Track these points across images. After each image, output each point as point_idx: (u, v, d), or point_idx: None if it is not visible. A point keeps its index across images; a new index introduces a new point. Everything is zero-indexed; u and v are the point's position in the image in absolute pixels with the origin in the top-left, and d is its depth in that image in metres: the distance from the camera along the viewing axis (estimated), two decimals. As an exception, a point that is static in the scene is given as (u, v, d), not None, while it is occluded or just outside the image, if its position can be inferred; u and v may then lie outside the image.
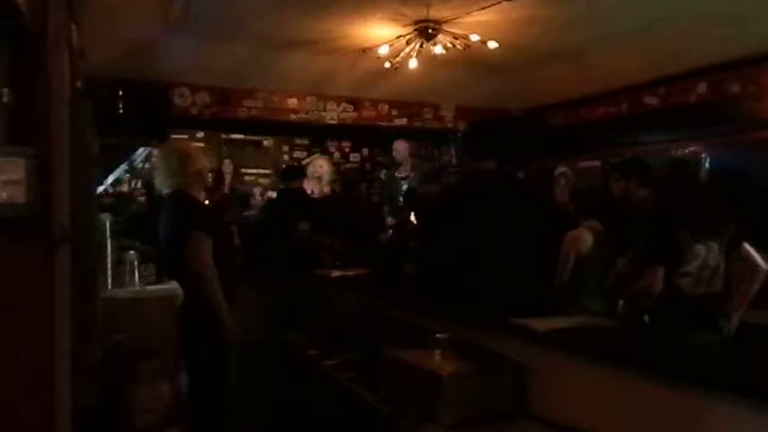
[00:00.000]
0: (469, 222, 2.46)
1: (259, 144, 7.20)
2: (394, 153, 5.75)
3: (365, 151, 7.86)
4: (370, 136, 7.34)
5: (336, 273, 3.61)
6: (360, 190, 5.77)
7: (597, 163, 5.72)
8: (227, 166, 5.79)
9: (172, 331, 2.58)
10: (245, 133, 6.95)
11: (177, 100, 5.24)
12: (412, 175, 5.72)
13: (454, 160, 6.57)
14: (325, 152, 7.39)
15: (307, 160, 6.03)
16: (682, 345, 1.89)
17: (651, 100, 5.20)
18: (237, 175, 5.88)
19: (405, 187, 5.59)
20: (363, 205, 4.94)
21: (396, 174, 5.82)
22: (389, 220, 5.04)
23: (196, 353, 2.52)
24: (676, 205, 2.53)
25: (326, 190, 5.26)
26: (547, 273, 2.66)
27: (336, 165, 7.40)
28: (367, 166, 7.78)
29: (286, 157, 7.37)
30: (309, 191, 4.86)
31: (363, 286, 3.38)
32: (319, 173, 5.42)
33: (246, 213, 5.09)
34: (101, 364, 2.27)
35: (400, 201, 5.63)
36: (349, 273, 3.59)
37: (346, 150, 7.62)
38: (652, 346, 1.91)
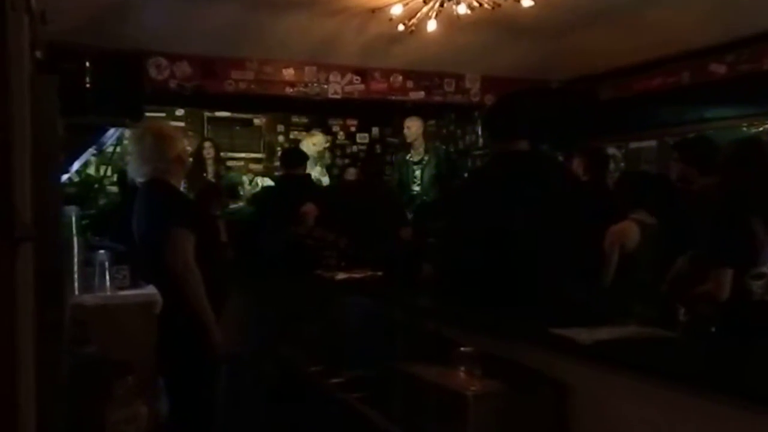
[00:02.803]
0: (497, 214, 2.47)
1: (249, 123, 7.25)
2: (406, 132, 5.77)
3: (374, 130, 7.88)
4: (380, 113, 7.35)
5: (341, 275, 3.63)
6: (383, 177, 5.82)
7: (653, 143, 5.69)
8: (208, 150, 5.84)
9: (150, 344, 2.61)
10: (233, 111, 7.00)
11: (153, 72, 5.27)
12: (427, 158, 5.75)
13: (480, 141, 6.56)
14: (327, 132, 7.44)
15: (305, 136, 6.05)
16: (759, 361, 1.87)
17: (718, 68, 5.14)
18: (219, 160, 5.92)
19: (418, 173, 5.65)
20: (386, 195, 4.95)
21: (408, 157, 5.85)
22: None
23: (178, 369, 2.56)
24: (747, 193, 2.51)
25: (318, 175, 5.30)
26: (592, 273, 2.66)
27: (340, 148, 7.49)
28: (377, 148, 7.81)
29: (281, 138, 7.41)
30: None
31: (373, 290, 3.41)
32: (317, 150, 5.45)
33: (234, 206, 5.13)
34: (69, 381, 2.31)
35: (413, 190, 5.68)
36: (357, 275, 3.61)
37: (352, 129, 7.66)
38: (721, 362, 1.90)
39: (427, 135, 6.06)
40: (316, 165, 5.70)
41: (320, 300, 3.59)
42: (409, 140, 5.80)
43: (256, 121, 7.17)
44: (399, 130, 7.96)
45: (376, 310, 3.11)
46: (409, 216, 4.92)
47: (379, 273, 3.63)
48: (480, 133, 6.55)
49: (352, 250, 3.99)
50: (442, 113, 6.80)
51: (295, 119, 7.45)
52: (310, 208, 4.15)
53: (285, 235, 4.05)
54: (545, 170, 2.63)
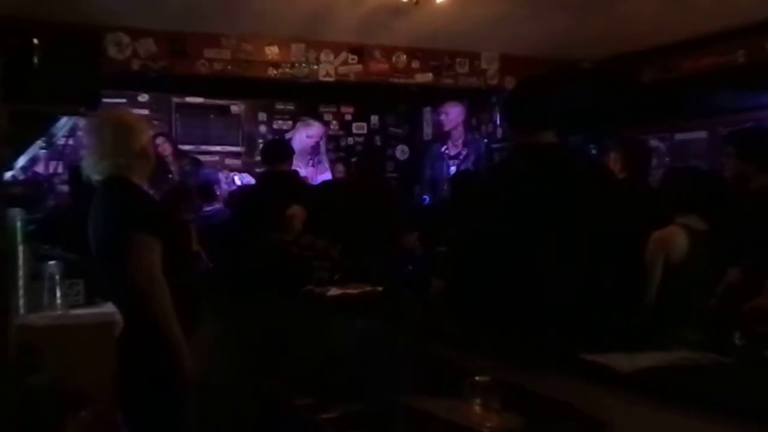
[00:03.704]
0: (518, 218, 2.47)
1: (225, 111, 7.26)
2: (443, 119, 5.78)
3: (374, 119, 7.90)
4: (380, 99, 7.37)
5: (334, 291, 3.64)
6: (382, 173, 5.85)
7: (702, 134, 5.70)
8: (163, 147, 5.87)
9: (108, 372, 2.61)
10: (206, 96, 7.02)
11: (112, 51, 5.28)
12: (464, 152, 5.76)
13: (498, 133, 6.57)
14: (318, 120, 7.44)
15: (297, 126, 6.07)
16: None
17: (779, 46, 5.15)
18: (179, 154, 5.93)
19: (453, 169, 5.67)
20: (387, 197, 4.97)
21: (443, 150, 5.85)
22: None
23: (140, 402, 2.56)
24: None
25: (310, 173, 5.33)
26: (631, 288, 2.66)
27: (333, 139, 7.50)
28: (377, 140, 7.83)
29: (263, 128, 7.43)
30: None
31: (372, 308, 3.41)
32: (311, 143, 5.44)
33: (209, 207, 5.14)
34: (14, 416, 2.31)
35: (446, 190, 5.69)
36: (353, 291, 3.62)
37: (348, 118, 7.68)
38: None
39: (468, 125, 6.11)
40: (310, 161, 5.73)
41: (309, 320, 3.58)
42: (446, 129, 5.82)
43: (234, 109, 7.19)
44: (403, 119, 8.03)
45: (376, 332, 3.10)
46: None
47: (380, 288, 3.63)
48: (498, 122, 6.57)
49: (347, 261, 3.99)
50: (453, 99, 6.80)
51: (279, 106, 7.46)
52: (296, 211, 4.16)
53: (268, 243, 4.04)
54: (575, 166, 2.62)
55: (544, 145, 2.59)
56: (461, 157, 5.77)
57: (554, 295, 2.38)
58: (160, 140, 5.95)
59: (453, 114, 5.75)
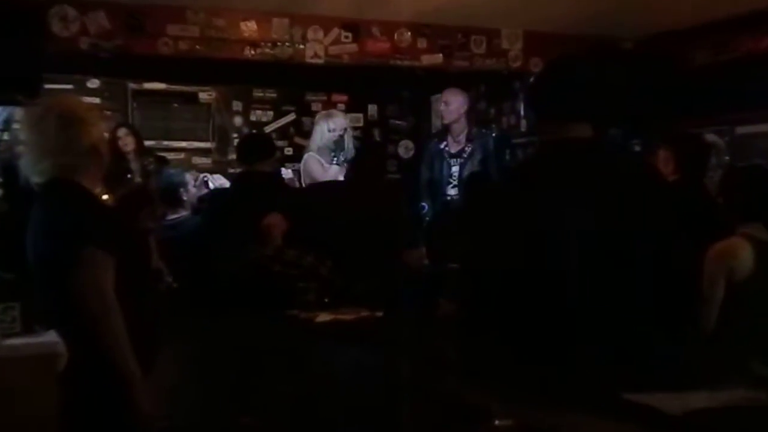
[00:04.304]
0: (547, 229, 2.46)
1: (192, 99, 7.29)
2: (442, 109, 5.81)
3: (372, 109, 7.94)
4: (380, 85, 7.39)
5: (324, 316, 3.64)
6: (381, 173, 5.82)
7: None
8: (124, 141, 5.87)
9: (51, 413, 2.60)
10: (170, 81, 7.04)
11: (56, 27, 5.30)
12: (468, 149, 5.77)
13: (522, 125, 6.58)
14: (305, 111, 7.46)
15: (319, 117, 6.01)
16: None
17: None
18: (143, 152, 5.94)
19: (456, 169, 5.68)
20: (387, 203, 4.96)
21: (443, 147, 5.87)
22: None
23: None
24: None
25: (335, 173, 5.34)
26: (685, 312, 2.65)
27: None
28: (375, 134, 7.85)
29: (238, 120, 7.47)
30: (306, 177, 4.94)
31: (370, 336, 3.41)
32: (334, 138, 5.42)
33: (174, 216, 5.14)
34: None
35: (448, 194, 5.69)
36: (346, 316, 3.62)
37: (340, 108, 7.69)
38: None
39: (472, 116, 6.11)
40: (334, 158, 5.71)
41: (293, 350, 3.58)
42: (446, 122, 5.84)
43: (203, 97, 7.21)
44: (407, 109, 8.05)
45: (374, 364, 3.09)
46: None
47: (379, 313, 3.64)
48: (522, 113, 6.58)
49: (339, 281, 3.99)
50: (468, 84, 6.82)
51: (258, 94, 7.50)
52: (273, 220, 4.16)
53: (244, 259, 4.04)
54: (616, 166, 2.62)
55: (578, 141, 2.58)
56: (465, 156, 5.79)
57: (590, 322, 2.37)
58: (122, 132, 5.97)
59: (454, 103, 5.77)
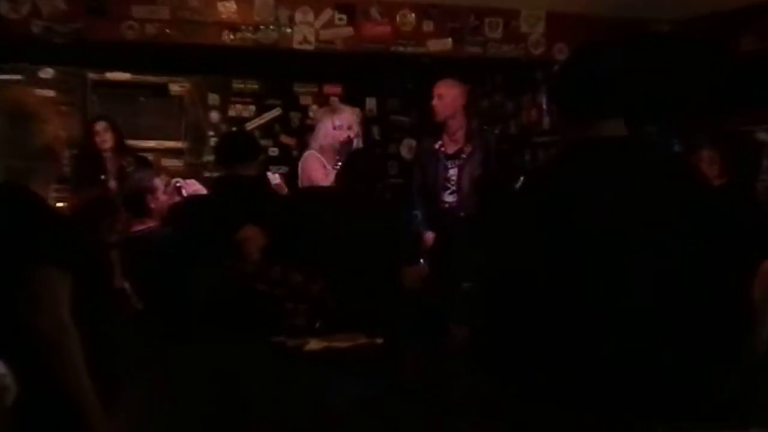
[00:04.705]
0: (575, 242, 2.46)
1: (162, 91, 7.29)
2: (435, 104, 5.81)
3: (370, 102, 7.93)
4: (379, 75, 7.38)
5: (315, 343, 3.65)
6: (380, 177, 5.83)
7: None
8: (102, 137, 5.87)
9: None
10: (135, 71, 7.04)
11: (4, 9, 5.32)
12: (468, 149, 5.76)
13: (545, 122, 6.58)
14: (292, 105, 7.45)
15: (323, 112, 6.01)
16: None
17: None
18: (123, 150, 5.94)
19: (453, 172, 5.65)
20: (385, 210, 4.97)
21: (438, 147, 5.86)
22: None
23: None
24: None
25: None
26: (734, 337, 2.65)
27: (312, 130, 7.49)
28: (374, 131, 7.84)
29: (215, 116, 7.47)
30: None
31: (368, 368, 3.41)
32: (341, 137, 5.42)
33: (140, 227, 5.13)
34: None
35: (446, 201, 5.68)
36: (341, 343, 3.64)
37: (334, 101, 7.68)
38: None
39: (471, 111, 6.09)
40: (339, 162, 5.71)
41: (280, 383, 3.58)
42: (440, 118, 5.83)
43: (174, 88, 7.22)
44: (411, 103, 8.03)
45: (373, 400, 3.08)
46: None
47: (378, 340, 3.65)
48: (545, 107, 6.58)
49: (332, 302, 3.99)
50: (482, 74, 6.83)
51: (238, 85, 7.50)
52: (250, 234, 4.16)
53: (223, 278, 4.04)
54: (654, 169, 2.61)
55: (609, 140, 2.59)
56: (464, 156, 5.77)
57: (628, 351, 2.37)
58: (100, 127, 5.98)
59: (449, 97, 5.76)
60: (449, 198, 5.78)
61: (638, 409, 2.27)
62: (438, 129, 5.89)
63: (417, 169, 6.08)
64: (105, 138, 5.95)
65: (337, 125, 5.52)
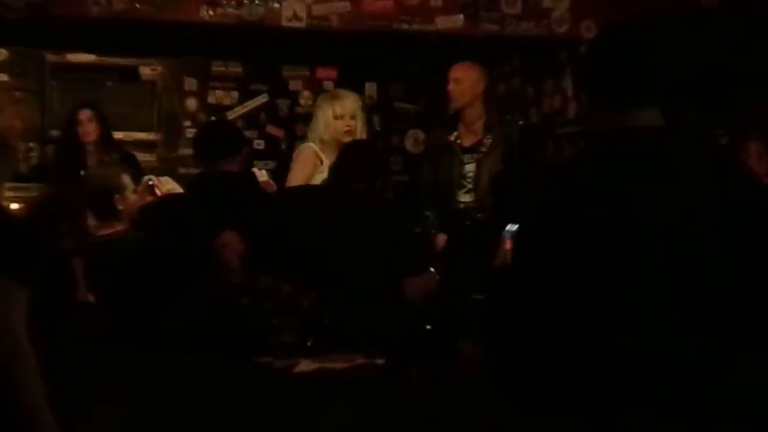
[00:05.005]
0: (604, 251, 2.46)
1: (131, 76, 7.31)
2: (451, 89, 5.81)
3: (370, 88, 7.94)
4: (380, 57, 7.38)
5: (306, 364, 3.66)
6: (382, 173, 5.84)
7: None
8: (86, 127, 5.88)
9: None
10: (101, 53, 7.04)
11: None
12: (487, 141, 5.76)
13: (570, 109, 6.58)
14: (280, 91, 7.45)
15: (322, 98, 6.01)
16: None
17: None
18: (107, 143, 5.95)
19: (470, 167, 5.63)
20: (386, 212, 4.97)
21: (453, 140, 5.86)
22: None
23: None
24: None
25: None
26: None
27: (302, 119, 7.52)
28: (375, 121, 7.83)
29: (192, 103, 7.48)
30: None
31: (367, 392, 3.43)
32: (344, 128, 5.42)
33: (106, 232, 5.14)
34: None
35: (460, 201, 5.67)
36: (337, 364, 3.66)
37: (327, 87, 7.74)
38: None
39: (491, 98, 6.08)
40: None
41: (266, 409, 3.58)
42: (456, 106, 5.83)
43: (146, 72, 7.23)
44: (417, 89, 8.02)
45: (373, 429, 3.08)
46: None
47: (378, 360, 3.66)
48: (571, 93, 6.58)
49: (326, 317, 4.00)
50: (498, 56, 6.83)
51: (218, 68, 7.51)
52: (227, 239, 4.16)
53: (201, 289, 4.05)
54: (696, 165, 2.61)
55: (644, 132, 2.59)
56: (483, 150, 5.78)
57: (664, 372, 2.37)
58: (84, 116, 6.00)
59: (467, 81, 5.77)
60: (465, 197, 5.80)
61: (663, 407, 2.30)
62: (453, 118, 5.90)
63: (427, 164, 6.10)
64: (88, 129, 5.97)
65: (339, 114, 5.53)
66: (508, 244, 3.68)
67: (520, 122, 6.45)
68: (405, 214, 5.26)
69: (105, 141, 6.10)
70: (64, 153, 5.99)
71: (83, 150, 5.95)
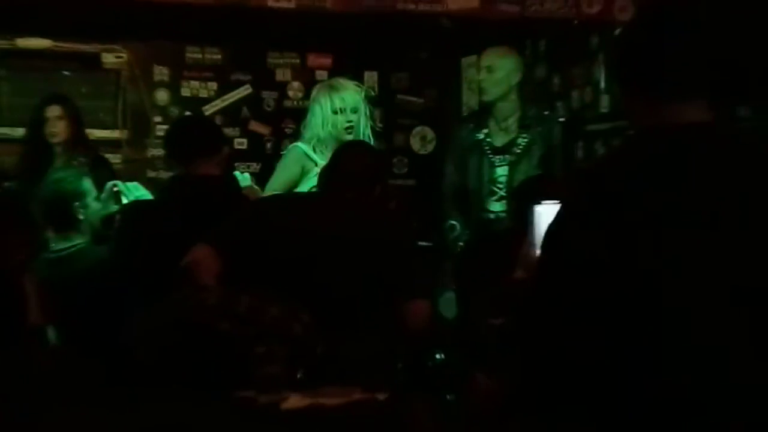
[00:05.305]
0: (645, 264, 2.46)
1: (92, 63, 7.30)
2: (483, 79, 5.81)
3: (370, 78, 7.95)
4: (382, 42, 7.37)
5: (296, 400, 3.62)
6: (374, 179, 5.86)
7: None
8: (53, 124, 5.91)
9: None
10: (56, 37, 7.03)
11: None
12: (523, 141, 5.74)
13: (602, 102, 6.58)
14: (266, 81, 7.45)
15: (318, 89, 6.02)
16: None
17: None
18: (79, 142, 5.97)
19: (502, 171, 5.60)
20: (388, 224, 4.95)
21: (482, 137, 5.84)
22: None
23: None
24: None
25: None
26: None
27: (290, 114, 7.52)
28: (375, 116, 7.80)
29: (162, 96, 7.49)
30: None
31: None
32: (344, 124, 5.42)
33: (64, 245, 5.13)
34: None
35: (491, 210, 5.63)
36: (331, 400, 3.61)
37: (321, 76, 7.76)
38: None
39: (529, 90, 6.08)
40: None
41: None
42: (489, 99, 5.84)
43: (109, 59, 7.23)
44: (426, 79, 8.01)
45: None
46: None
47: (380, 395, 3.62)
48: (603, 85, 6.58)
49: (318, 345, 3.97)
50: (519, 41, 6.82)
51: (194, 54, 7.52)
52: (199, 255, 4.14)
53: (175, 311, 4.02)
54: (750, 165, 2.59)
55: (691, 128, 2.58)
56: (518, 151, 5.77)
57: (723, 407, 2.37)
58: (51, 112, 6.01)
59: (502, 69, 5.78)
60: (496, 206, 5.78)
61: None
62: (482, 113, 5.89)
63: (451, 167, 6.09)
64: (56, 129, 5.99)
65: (339, 107, 5.53)
66: (531, 256, 3.64)
67: (561, 119, 6.39)
68: (407, 227, 5.23)
69: (76, 140, 6.09)
70: (29, 156, 5.98)
71: (51, 152, 5.93)
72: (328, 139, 5.49)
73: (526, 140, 5.78)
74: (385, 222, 4.87)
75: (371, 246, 4.49)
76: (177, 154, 4.83)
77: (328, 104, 5.53)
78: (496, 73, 5.81)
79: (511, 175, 5.77)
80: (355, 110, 5.52)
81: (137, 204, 5.55)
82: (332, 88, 5.74)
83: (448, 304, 4.62)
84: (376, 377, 3.75)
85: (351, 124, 5.49)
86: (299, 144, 5.61)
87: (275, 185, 5.62)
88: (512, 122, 5.85)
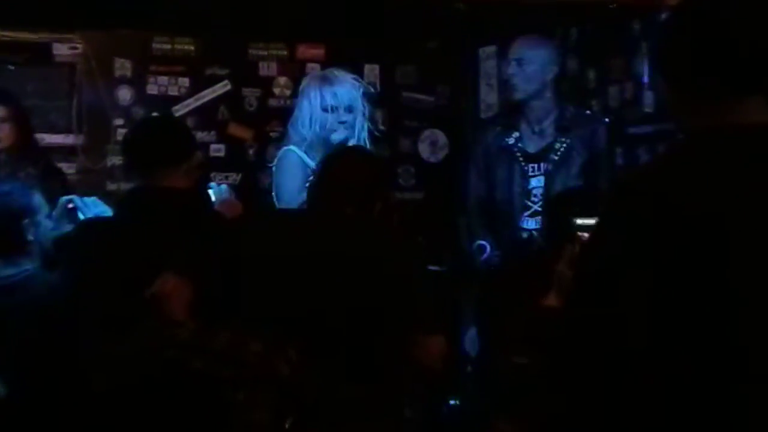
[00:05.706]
0: (710, 288, 2.45)
1: (42, 55, 7.31)
2: (512, 74, 5.82)
3: (370, 72, 7.94)
4: (385, 30, 7.39)
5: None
6: (375, 194, 5.89)
7: None
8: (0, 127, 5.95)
9: None
10: (3, 26, 7.06)
11: None
12: (562, 146, 5.74)
13: (645, 99, 6.60)
14: (248, 77, 7.48)
15: (308, 81, 6.03)
16: None
17: None
18: (29, 152, 6.00)
19: (538, 182, 5.59)
20: (392, 244, 4.96)
21: (512, 142, 5.84)
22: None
23: None
24: None
25: None
26: None
27: (276, 113, 7.53)
28: (377, 116, 7.83)
29: (125, 94, 7.49)
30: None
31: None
32: (337, 121, 5.42)
33: (10, 272, 5.15)
34: None
35: (525, 228, 5.61)
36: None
37: (311, 69, 7.71)
38: None
39: (564, 85, 6.10)
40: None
41: None
42: (520, 97, 5.86)
43: (62, 51, 7.25)
44: (436, 74, 8.01)
45: None
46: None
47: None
48: (646, 79, 6.60)
49: (311, 386, 3.99)
50: (548, 28, 6.85)
51: (161, 44, 7.53)
52: (168, 286, 4.16)
53: (140, 349, 4.04)
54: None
55: (752, 129, 2.59)
56: (556, 158, 5.78)
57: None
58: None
59: (535, 62, 5.80)
60: (531, 223, 5.77)
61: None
62: (512, 114, 5.91)
63: (476, 175, 6.10)
64: (1, 133, 5.99)
65: (330, 104, 5.55)
66: (566, 280, 3.64)
67: (606, 119, 6.38)
68: (415, 249, 5.23)
69: (24, 148, 6.11)
70: None
71: None
72: (316, 142, 5.50)
73: (564, 145, 5.78)
74: (387, 244, 4.87)
75: (371, 272, 4.49)
76: (135, 163, 4.81)
77: (318, 99, 5.55)
78: (527, 66, 5.81)
79: (547, 187, 5.75)
80: (350, 109, 5.54)
81: (89, 222, 5.56)
82: (324, 80, 5.76)
83: (470, 341, 4.62)
84: (379, 427, 3.76)
85: (344, 124, 5.51)
86: (291, 147, 5.62)
87: (286, 197, 5.61)
88: (548, 124, 5.85)
